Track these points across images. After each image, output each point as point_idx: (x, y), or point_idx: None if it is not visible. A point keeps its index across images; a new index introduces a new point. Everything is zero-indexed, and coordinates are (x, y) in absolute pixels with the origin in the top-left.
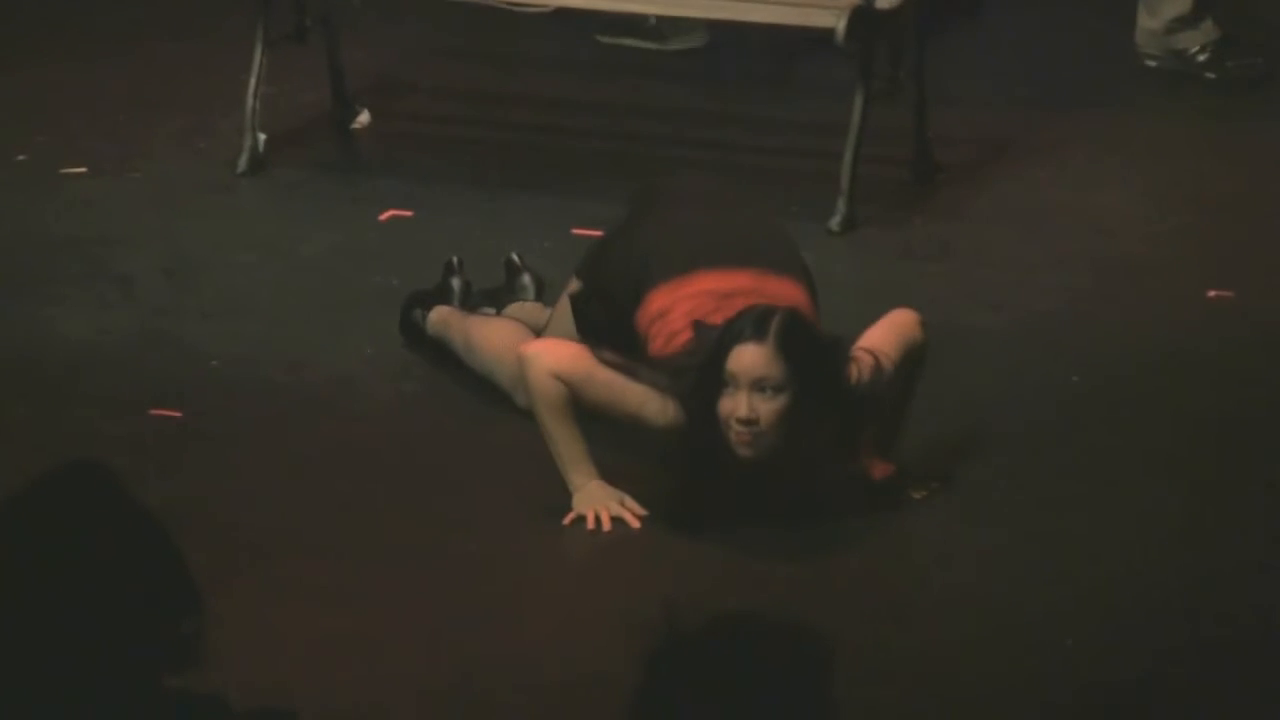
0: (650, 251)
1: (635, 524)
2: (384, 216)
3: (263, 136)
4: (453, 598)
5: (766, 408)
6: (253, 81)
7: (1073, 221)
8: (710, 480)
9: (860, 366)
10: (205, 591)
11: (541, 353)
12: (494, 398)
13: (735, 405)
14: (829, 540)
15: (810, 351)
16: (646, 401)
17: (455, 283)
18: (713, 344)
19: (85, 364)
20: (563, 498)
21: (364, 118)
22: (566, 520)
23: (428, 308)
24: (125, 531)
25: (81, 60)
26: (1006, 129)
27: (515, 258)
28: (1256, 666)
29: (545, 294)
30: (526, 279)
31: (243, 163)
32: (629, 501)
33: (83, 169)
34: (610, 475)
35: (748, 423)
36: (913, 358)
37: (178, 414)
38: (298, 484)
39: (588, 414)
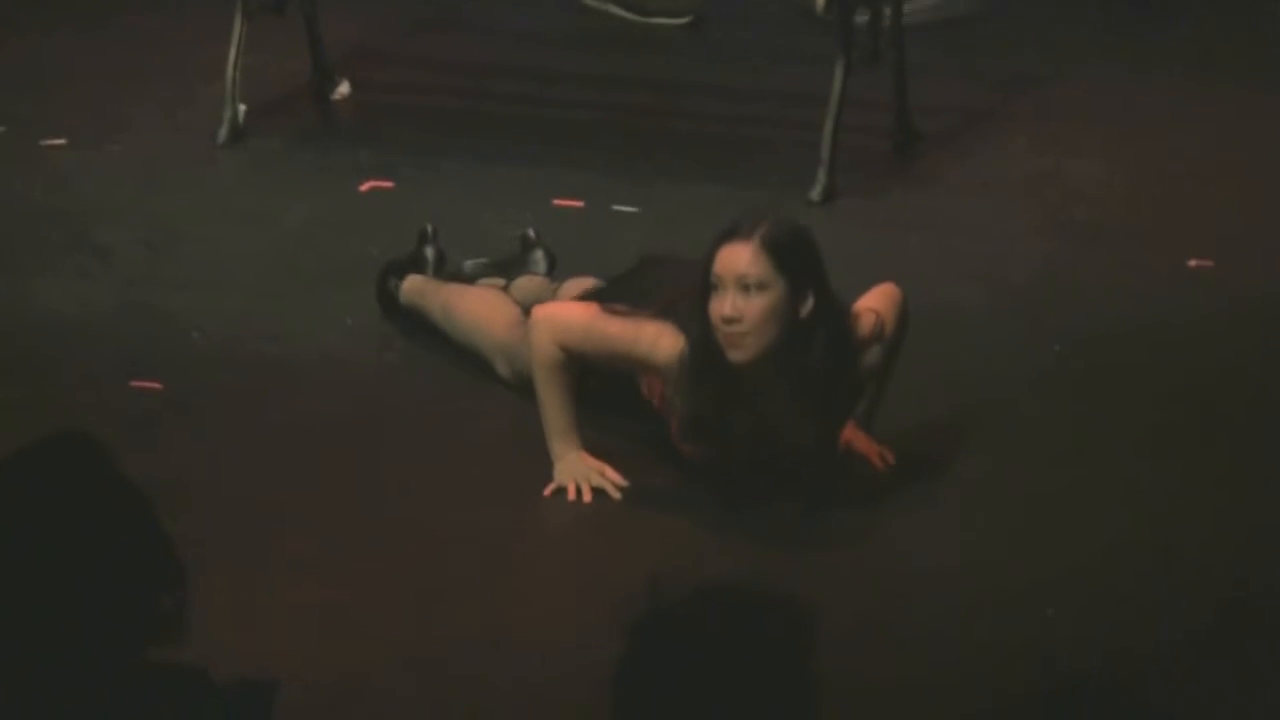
0: (652, 290)
1: (616, 495)
2: (364, 187)
3: (243, 108)
4: (435, 569)
5: (750, 306)
6: (232, 53)
7: (1053, 191)
8: (717, 418)
9: (862, 324)
10: (186, 564)
11: (551, 315)
12: (474, 368)
13: (721, 305)
14: (814, 514)
15: (797, 251)
16: (659, 338)
17: (429, 251)
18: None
19: (65, 336)
20: (544, 469)
21: (344, 88)
22: (547, 491)
23: (401, 277)
24: (106, 503)
25: (61, 32)
26: (986, 99)
27: (531, 233)
28: (1242, 639)
29: (556, 270)
30: (539, 254)
31: (223, 134)
32: (610, 472)
33: (62, 141)
34: (597, 453)
35: (730, 320)
36: (900, 330)
37: (158, 385)
38: (279, 456)
39: (607, 378)
